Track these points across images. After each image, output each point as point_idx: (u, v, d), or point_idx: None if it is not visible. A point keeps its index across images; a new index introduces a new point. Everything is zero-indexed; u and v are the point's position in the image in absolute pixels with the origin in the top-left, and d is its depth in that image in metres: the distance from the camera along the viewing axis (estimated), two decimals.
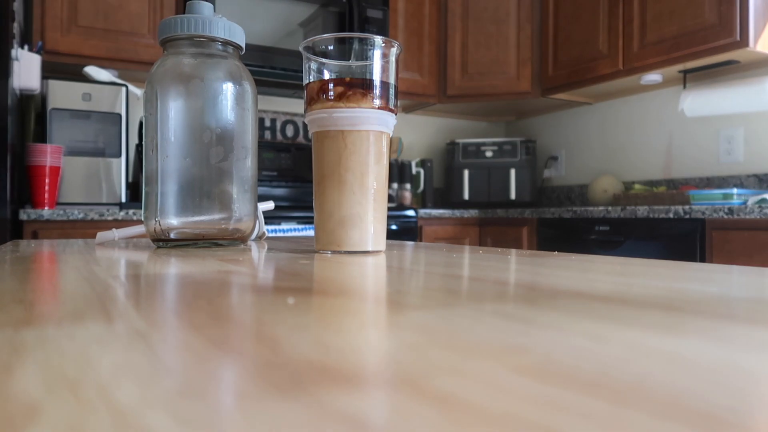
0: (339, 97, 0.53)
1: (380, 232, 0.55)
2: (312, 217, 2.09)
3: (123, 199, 1.93)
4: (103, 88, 1.91)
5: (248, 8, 2.17)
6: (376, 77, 0.53)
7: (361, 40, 0.54)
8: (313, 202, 0.55)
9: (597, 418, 0.10)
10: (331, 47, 0.54)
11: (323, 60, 0.54)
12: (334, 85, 0.53)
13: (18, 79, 1.70)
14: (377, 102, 0.53)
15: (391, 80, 0.55)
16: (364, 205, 0.53)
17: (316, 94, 0.54)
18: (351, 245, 0.53)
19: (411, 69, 2.60)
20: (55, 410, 0.11)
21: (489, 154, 2.66)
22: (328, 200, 0.53)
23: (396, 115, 0.56)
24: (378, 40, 0.53)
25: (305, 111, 0.56)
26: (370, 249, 0.54)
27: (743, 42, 1.82)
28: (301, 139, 2.66)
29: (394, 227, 2.22)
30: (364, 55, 0.53)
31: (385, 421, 0.10)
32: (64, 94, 1.86)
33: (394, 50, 0.55)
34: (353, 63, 0.54)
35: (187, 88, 0.61)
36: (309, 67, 0.55)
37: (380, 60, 0.54)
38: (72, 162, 1.87)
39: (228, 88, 0.62)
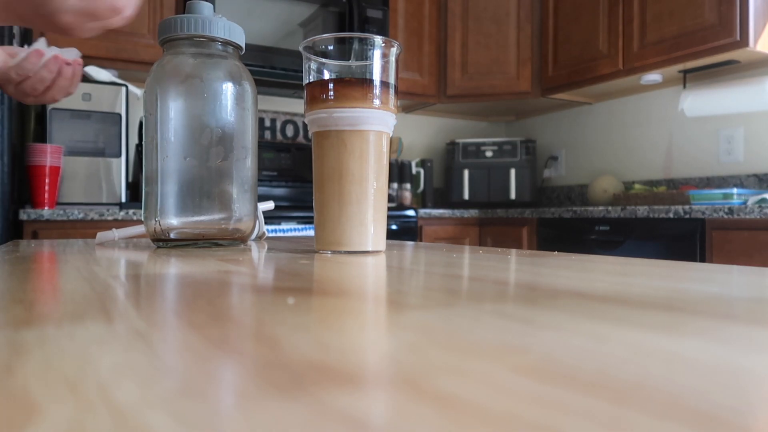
0: (339, 97, 0.53)
1: (380, 232, 0.54)
2: (312, 217, 2.09)
3: (123, 199, 1.93)
4: (103, 88, 1.91)
5: (248, 8, 2.17)
6: (376, 77, 0.53)
7: (361, 40, 0.54)
8: (313, 202, 0.55)
9: (597, 418, 0.10)
10: (331, 47, 0.54)
11: (323, 60, 0.54)
12: (334, 85, 0.53)
13: None
14: (377, 102, 0.53)
15: (391, 80, 0.55)
16: (364, 205, 0.53)
17: (316, 94, 0.54)
18: (351, 245, 0.53)
19: (411, 69, 2.60)
20: (55, 410, 0.11)
21: (489, 154, 2.66)
22: (328, 200, 0.53)
23: (396, 114, 0.56)
24: (378, 40, 0.53)
25: (305, 111, 0.56)
26: (370, 249, 0.54)
27: (743, 42, 1.82)
28: (301, 139, 2.66)
29: (394, 227, 2.22)
30: (364, 55, 0.53)
31: (385, 421, 0.10)
32: None
33: (394, 50, 0.55)
34: (353, 63, 0.54)
35: (187, 88, 0.61)
36: (309, 67, 0.55)
37: (380, 60, 0.54)
38: (72, 162, 1.87)
39: (228, 88, 0.62)
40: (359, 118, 0.53)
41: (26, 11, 0.59)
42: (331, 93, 0.53)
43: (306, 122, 0.56)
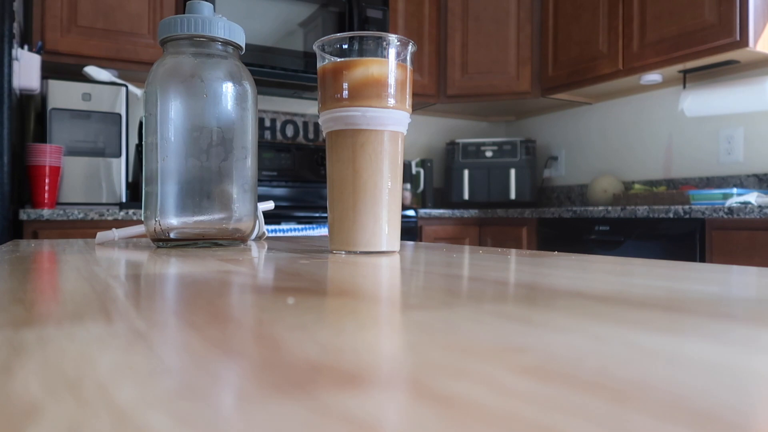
0: (353, 97, 0.52)
1: (394, 233, 0.54)
2: (312, 217, 2.09)
3: (123, 199, 1.93)
4: (103, 88, 1.91)
5: (248, 8, 2.17)
6: (391, 76, 0.53)
7: (376, 39, 0.53)
8: (328, 203, 0.55)
9: (597, 418, 0.10)
10: (345, 46, 0.53)
11: (337, 59, 0.54)
12: (349, 85, 0.52)
13: (18, 79, 1.70)
14: (392, 101, 0.53)
15: (406, 79, 0.54)
16: (379, 205, 0.53)
17: (331, 94, 0.53)
18: (365, 245, 0.53)
19: None
20: (55, 410, 0.10)
21: (489, 154, 2.66)
22: (342, 200, 0.53)
23: (410, 114, 0.55)
24: (393, 38, 0.53)
25: (319, 111, 0.55)
26: (384, 249, 0.53)
27: (743, 42, 1.82)
28: (301, 139, 2.66)
29: None
30: (379, 54, 0.53)
31: (386, 421, 0.10)
32: (64, 94, 1.86)
33: (408, 49, 0.54)
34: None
35: (187, 88, 0.61)
36: (323, 66, 0.55)
37: (394, 59, 0.53)
38: (72, 162, 1.87)
39: (228, 88, 0.62)
40: (374, 118, 0.52)
41: None
42: (346, 92, 0.52)
43: (320, 122, 0.56)
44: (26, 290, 0.27)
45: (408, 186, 2.64)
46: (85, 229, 1.77)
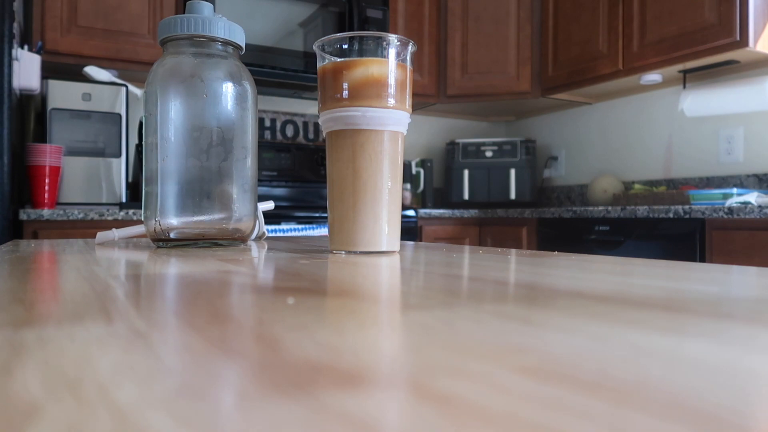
0: (353, 97, 0.52)
1: (394, 233, 0.54)
2: (312, 217, 2.09)
3: (123, 199, 1.93)
4: (103, 88, 1.91)
5: (248, 8, 2.17)
6: (391, 76, 0.53)
7: (376, 39, 0.53)
8: (328, 203, 0.55)
9: (597, 418, 0.10)
10: (345, 46, 0.54)
11: (337, 59, 0.54)
12: (349, 85, 0.52)
13: (18, 79, 1.70)
14: (392, 101, 0.53)
15: (406, 79, 0.54)
16: (379, 205, 0.53)
17: (331, 94, 0.53)
18: (365, 245, 0.53)
19: None
20: (55, 410, 0.10)
21: (489, 154, 2.66)
22: (342, 200, 0.53)
23: (410, 114, 0.55)
24: (393, 38, 0.53)
25: (319, 111, 0.55)
26: (384, 249, 0.53)
27: (743, 42, 1.82)
28: (301, 139, 2.66)
29: None
30: (379, 54, 0.53)
31: (386, 421, 0.10)
32: (64, 94, 1.86)
33: (408, 49, 0.54)
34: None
35: (187, 88, 0.61)
36: (323, 66, 0.55)
37: (394, 59, 0.53)
38: (72, 162, 1.87)
39: (228, 88, 0.62)
40: (374, 118, 0.52)
41: None
42: (346, 92, 0.52)
43: (320, 122, 0.56)
44: (26, 290, 0.27)
45: (408, 186, 2.64)
46: (85, 229, 1.77)
